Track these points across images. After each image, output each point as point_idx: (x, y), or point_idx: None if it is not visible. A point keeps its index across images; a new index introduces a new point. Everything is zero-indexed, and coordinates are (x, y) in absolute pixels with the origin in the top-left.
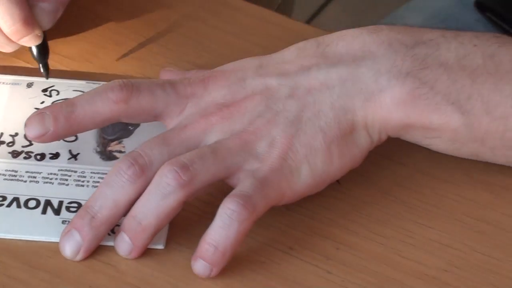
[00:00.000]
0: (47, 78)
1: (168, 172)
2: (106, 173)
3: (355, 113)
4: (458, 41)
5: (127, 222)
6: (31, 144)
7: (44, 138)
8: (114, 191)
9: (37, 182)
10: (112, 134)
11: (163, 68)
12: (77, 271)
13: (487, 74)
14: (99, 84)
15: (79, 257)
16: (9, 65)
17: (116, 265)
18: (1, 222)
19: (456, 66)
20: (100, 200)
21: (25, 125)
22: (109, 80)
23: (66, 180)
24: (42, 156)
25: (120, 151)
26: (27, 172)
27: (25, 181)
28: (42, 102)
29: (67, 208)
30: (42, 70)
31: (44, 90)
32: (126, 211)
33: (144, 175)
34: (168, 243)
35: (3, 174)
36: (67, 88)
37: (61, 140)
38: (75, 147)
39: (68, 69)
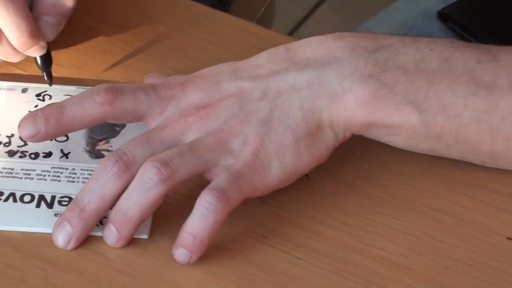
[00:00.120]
0: (50, 85)
1: (150, 168)
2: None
3: (322, 113)
4: (416, 46)
5: (114, 214)
6: (26, 144)
7: (36, 138)
8: (101, 186)
9: (32, 178)
10: (100, 134)
11: (147, 74)
12: (69, 259)
13: (442, 76)
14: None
15: (70, 246)
16: (5, 72)
17: (104, 253)
18: None
19: (414, 69)
20: (89, 194)
21: (19, 126)
22: None
23: (58, 176)
24: (36, 155)
25: (107, 150)
26: (22, 169)
27: (21, 178)
28: (36, 106)
29: (59, 202)
30: (46, 78)
31: (38, 95)
32: (112, 204)
33: (128, 171)
34: (152, 233)
35: (0, 172)
36: (59, 93)
37: (53, 140)
38: (66, 147)
39: (60, 75)
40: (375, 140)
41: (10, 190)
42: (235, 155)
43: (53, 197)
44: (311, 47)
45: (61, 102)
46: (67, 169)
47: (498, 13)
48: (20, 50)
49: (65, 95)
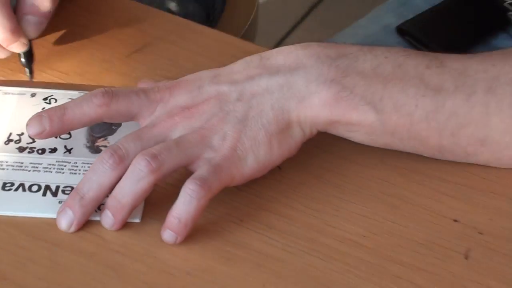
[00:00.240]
0: (31, 80)
1: (141, 160)
2: None
3: (291, 112)
4: (373, 54)
5: (110, 201)
6: (34, 141)
7: (42, 135)
8: (99, 176)
9: (39, 171)
10: (99, 132)
11: (140, 80)
12: (71, 240)
13: (395, 80)
14: None
15: (72, 229)
16: (17, 79)
17: (101, 235)
18: (10, 203)
19: (371, 74)
20: (88, 184)
21: (27, 125)
22: None
23: (62, 169)
24: (43, 151)
25: (105, 146)
26: (30, 163)
27: (29, 170)
28: (43, 108)
29: (63, 191)
30: (28, 73)
31: (45, 99)
32: (108, 192)
33: (122, 163)
34: (143, 217)
35: (12, 165)
36: (63, 97)
37: (58, 137)
38: (69, 143)
39: (64, 82)
40: (338, 136)
41: (20, 181)
42: (216, 149)
43: (57, 187)
44: (281, 55)
45: (63, 104)
46: (70, 162)
47: (446, 27)
48: (3, 45)
49: (69, 98)
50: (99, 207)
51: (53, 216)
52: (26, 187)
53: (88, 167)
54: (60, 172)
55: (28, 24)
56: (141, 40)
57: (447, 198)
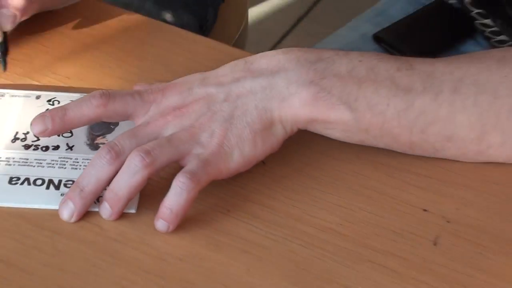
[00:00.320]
0: (4, 71)
1: (136, 156)
2: None
3: (273, 112)
4: (348, 58)
5: (107, 193)
6: (38, 139)
7: (45, 133)
8: (97, 171)
9: (43, 166)
10: (98, 131)
11: (136, 83)
12: (72, 229)
13: (369, 81)
14: None
15: (73, 219)
16: (23, 83)
17: (100, 225)
18: (16, 195)
19: (346, 76)
20: (87, 177)
21: (31, 124)
22: None
23: (64, 165)
24: (47, 148)
25: (104, 143)
26: (35, 159)
27: (34, 166)
28: (47, 109)
29: (65, 185)
30: (2, 65)
31: (49, 101)
32: (106, 185)
33: (119, 159)
34: (138, 208)
35: (18, 161)
36: (66, 99)
37: (60, 136)
38: (71, 141)
39: (66, 85)
40: (316, 133)
41: (25, 175)
42: (204, 146)
43: (60, 181)
44: (265, 59)
45: (64, 105)
46: (71, 158)
47: (419, 35)
48: None
49: (71, 100)
50: (98, 199)
51: (56, 207)
52: (31, 181)
53: (88, 162)
54: (62, 167)
55: (3, 16)
56: (138, 47)
57: (417, 189)
